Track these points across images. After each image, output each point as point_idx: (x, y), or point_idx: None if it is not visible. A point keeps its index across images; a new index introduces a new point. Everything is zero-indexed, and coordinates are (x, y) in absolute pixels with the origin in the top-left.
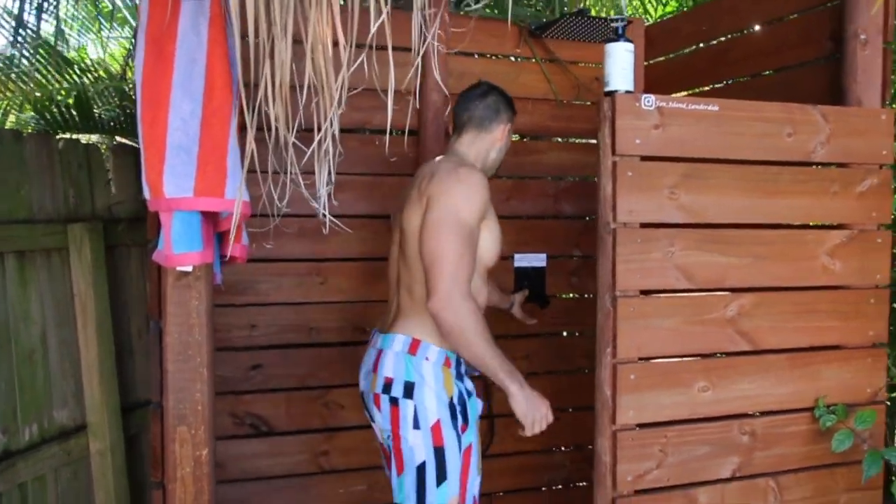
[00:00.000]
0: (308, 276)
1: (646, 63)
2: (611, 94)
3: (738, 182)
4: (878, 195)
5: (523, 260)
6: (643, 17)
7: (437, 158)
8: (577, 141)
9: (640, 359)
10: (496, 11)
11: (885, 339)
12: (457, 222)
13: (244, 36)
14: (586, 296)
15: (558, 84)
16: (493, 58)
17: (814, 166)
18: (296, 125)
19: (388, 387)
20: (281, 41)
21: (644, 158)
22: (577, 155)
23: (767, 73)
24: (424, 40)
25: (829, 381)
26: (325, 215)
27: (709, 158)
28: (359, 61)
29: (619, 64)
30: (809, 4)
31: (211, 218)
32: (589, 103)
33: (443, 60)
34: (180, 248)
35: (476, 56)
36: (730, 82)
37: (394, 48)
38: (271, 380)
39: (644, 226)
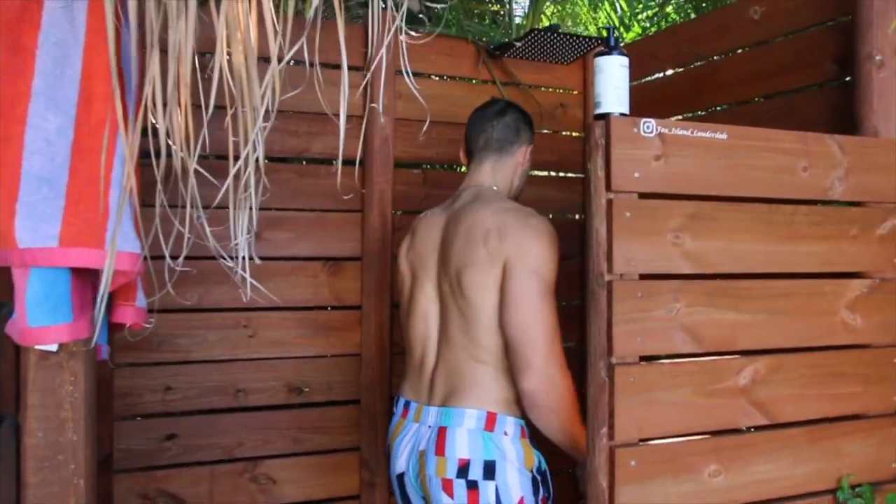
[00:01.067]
0: (234, 328)
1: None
2: (602, 117)
3: (750, 224)
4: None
5: None
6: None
7: (469, 197)
8: (538, 174)
9: (642, 440)
10: (453, 29)
11: None
12: (546, 288)
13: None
14: None
15: None
16: (449, 79)
17: (831, 205)
18: (197, 149)
19: (463, 470)
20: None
21: (642, 195)
22: (538, 189)
23: (757, 99)
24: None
25: (852, 456)
26: (240, 271)
27: (717, 196)
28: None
29: (612, 81)
30: (807, 23)
31: (87, 275)
32: (552, 132)
33: (391, 81)
34: (39, 319)
35: (432, 77)
36: (715, 109)
37: (332, 66)
38: (190, 452)
39: (643, 277)
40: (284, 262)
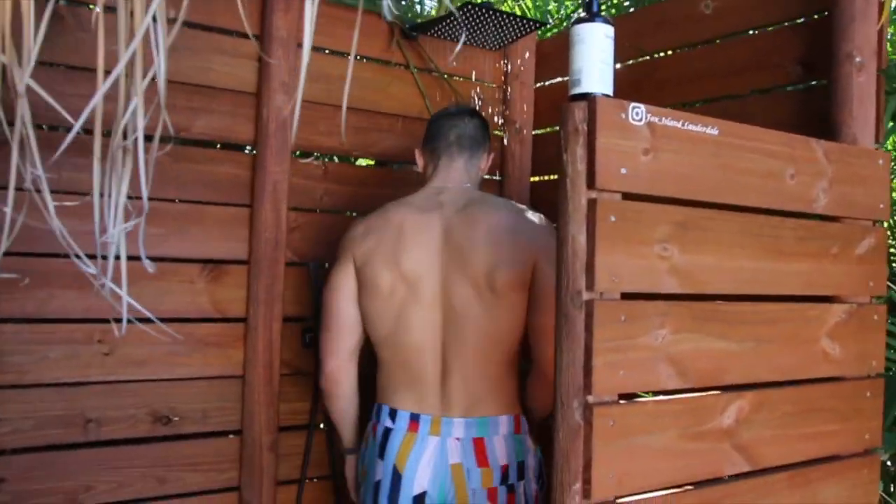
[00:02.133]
0: (85, 343)
1: (537, 85)
2: (581, 97)
3: (739, 237)
4: (874, 259)
5: None
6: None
7: (463, 197)
8: None
9: (619, 498)
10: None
11: (879, 442)
12: None
13: None
14: None
15: (434, 100)
16: (358, 59)
17: (813, 219)
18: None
19: (504, 476)
20: None
21: (626, 196)
22: None
23: (698, 103)
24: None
25: (829, 502)
26: (108, 281)
27: (706, 202)
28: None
29: (595, 54)
30: (767, 21)
31: None
32: None
33: (288, 55)
34: None
35: (342, 55)
36: None
37: (222, 30)
38: (22, 500)
39: (624, 297)
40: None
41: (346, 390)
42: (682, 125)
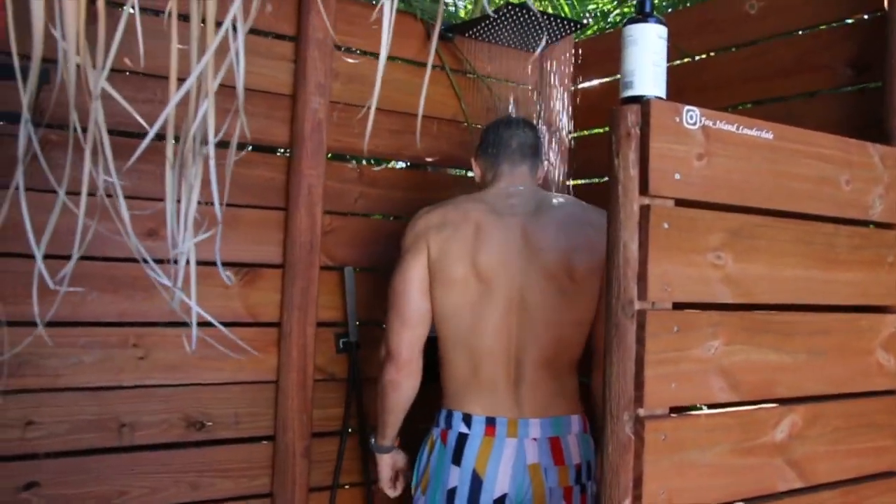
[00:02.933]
0: (120, 347)
1: (573, 87)
2: (633, 100)
3: (792, 245)
4: None
5: None
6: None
7: (535, 199)
8: None
9: None
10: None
11: None
12: None
13: None
14: None
15: (470, 104)
16: (392, 61)
17: (868, 226)
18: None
19: (579, 475)
20: None
21: (679, 203)
22: None
23: (742, 106)
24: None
25: None
26: (178, 291)
27: (759, 209)
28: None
29: (648, 56)
30: (815, 21)
31: None
32: None
33: (324, 56)
34: None
35: (371, 56)
36: None
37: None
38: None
39: (676, 307)
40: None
41: (413, 385)
42: (737, 129)
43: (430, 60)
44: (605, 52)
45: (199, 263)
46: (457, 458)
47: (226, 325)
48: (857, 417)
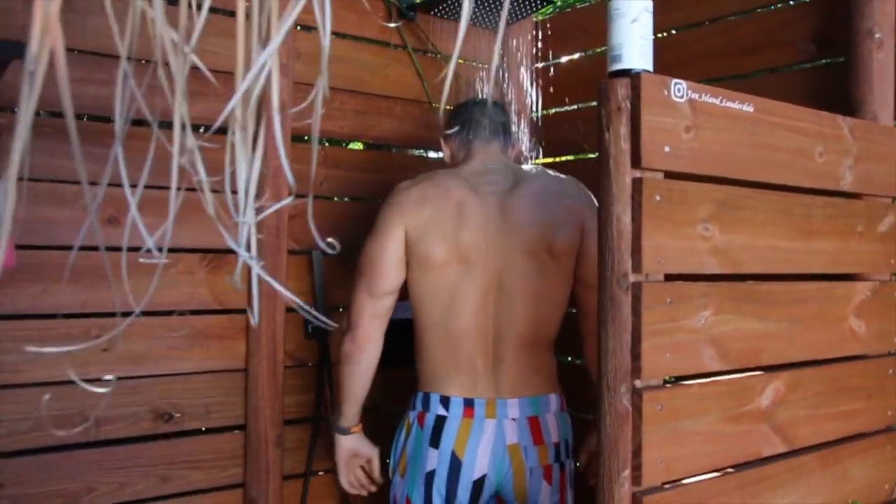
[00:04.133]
0: (83, 339)
1: (539, 65)
2: (621, 74)
3: (772, 215)
4: (895, 236)
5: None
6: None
7: (510, 173)
8: None
9: (666, 484)
10: None
11: None
12: None
13: None
14: None
15: (432, 84)
16: (354, 40)
17: (838, 196)
18: None
19: (558, 453)
20: None
21: (668, 175)
22: None
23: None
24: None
25: (856, 480)
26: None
27: (742, 181)
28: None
29: (636, 29)
30: None
31: None
32: None
33: (288, 34)
34: None
35: (338, 36)
36: None
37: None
38: None
39: (668, 278)
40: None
41: (369, 361)
42: (720, 102)
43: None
44: (569, 30)
45: (167, 250)
46: (435, 441)
47: (191, 312)
48: (833, 382)
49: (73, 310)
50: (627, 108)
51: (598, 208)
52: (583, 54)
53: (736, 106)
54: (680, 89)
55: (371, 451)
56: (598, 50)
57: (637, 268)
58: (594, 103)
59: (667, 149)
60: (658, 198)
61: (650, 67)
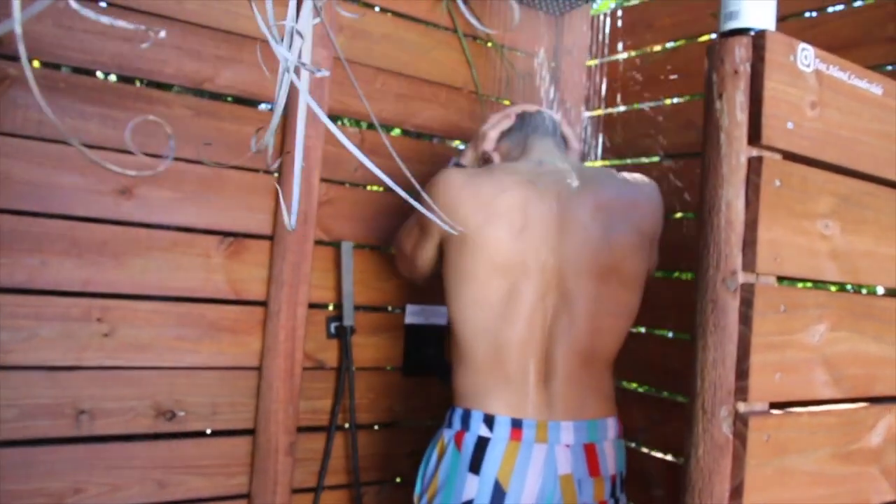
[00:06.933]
0: (82, 321)
1: (594, 62)
2: (739, 33)
3: (892, 218)
4: None
5: (418, 314)
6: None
7: (573, 171)
8: None
9: None
10: None
11: None
12: None
13: None
14: None
15: (482, 72)
16: (400, 18)
17: None
18: None
19: (614, 488)
20: None
21: (786, 157)
22: None
23: None
24: None
25: None
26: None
27: (869, 175)
28: None
29: None
30: None
31: None
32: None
33: (327, 5)
34: None
35: (378, 10)
36: None
37: None
38: (1, 502)
39: (781, 281)
40: (163, 232)
41: None
42: (848, 78)
43: None
44: (631, 25)
45: (179, 229)
46: (475, 466)
47: (204, 300)
48: None
49: (74, 287)
50: (746, 71)
51: (702, 191)
52: (645, 50)
53: (864, 85)
54: (807, 55)
55: None
56: (658, 48)
57: (749, 266)
58: (664, 101)
59: (790, 125)
60: (777, 183)
61: (773, 27)
